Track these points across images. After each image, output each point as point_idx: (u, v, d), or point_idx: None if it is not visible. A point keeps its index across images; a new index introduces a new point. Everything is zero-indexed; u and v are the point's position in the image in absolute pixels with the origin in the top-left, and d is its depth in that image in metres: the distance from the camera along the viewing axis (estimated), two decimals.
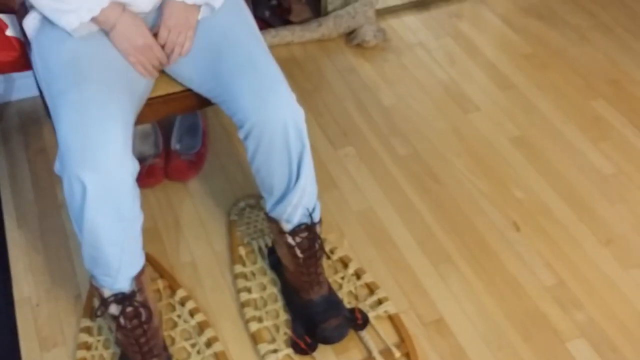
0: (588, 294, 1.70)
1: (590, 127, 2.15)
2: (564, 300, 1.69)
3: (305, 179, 1.49)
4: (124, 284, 1.40)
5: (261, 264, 1.73)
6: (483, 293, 1.70)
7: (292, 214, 1.52)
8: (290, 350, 1.56)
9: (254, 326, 1.59)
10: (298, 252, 1.54)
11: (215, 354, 1.55)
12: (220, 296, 1.68)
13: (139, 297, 1.41)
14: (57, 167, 1.33)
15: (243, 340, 1.59)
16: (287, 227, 1.54)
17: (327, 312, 1.55)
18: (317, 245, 1.55)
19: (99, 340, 1.56)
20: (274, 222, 1.56)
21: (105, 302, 1.40)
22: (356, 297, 1.67)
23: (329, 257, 1.73)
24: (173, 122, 2.03)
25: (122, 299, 1.39)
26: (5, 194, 1.89)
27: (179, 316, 1.62)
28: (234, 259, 1.73)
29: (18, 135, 2.06)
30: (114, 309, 1.40)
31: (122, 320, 1.40)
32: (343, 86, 2.27)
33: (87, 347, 1.55)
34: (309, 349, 1.55)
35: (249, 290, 1.67)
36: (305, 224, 1.53)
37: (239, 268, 1.71)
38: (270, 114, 1.40)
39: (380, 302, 1.66)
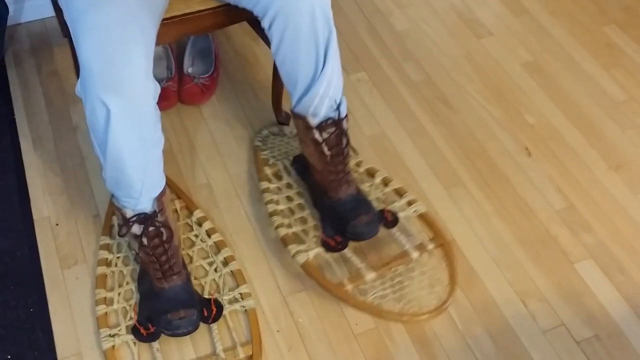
0: (597, 218, 1.73)
1: (602, 53, 2.15)
2: (573, 224, 1.72)
3: (332, 67, 1.46)
4: (145, 205, 1.42)
5: (287, 180, 1.73)
6: (494, 216, 1.73)
7: (319, 107, 1.49)
8: (321, 249, 1.56)
9: (282, 231, 1.60)
10: (325, 150, 1.52)
11: (232, 272, 1.59)
12: (236, 217, 1.70)
13: (160, 217, 1.44)
14: (78, 88, 1.33)
15: (259, 260, 1.63)
16: (314, 121, 1.52)
17: (356, 209, 1.55)
18: (344, 142, 1.53)
19: (118, 257, 1.60)
20: (299, 118, 1.54)
21: (127, 223, 1.42)
22: (384, 202, 1.67)
23: (356, 153, 1.70)
24: (185, 45, 2.02)
25: (144, 219, 1.42)
26: (20, 116, 1.89)
27: (196, 236, 1.65)
28: (260, 177, 1.74)
29: (29, 58, 2.05)
30: (136, 229, 1.42)
31: (144, 240, 1.43)
32: (355, 11, 2.25)
33: (107, 263, 1.59)
34: (340, 246, 1.55)
35: (276, 203, 1.68)
36: (332, 118, 1.51)
37: (265, 184, 1.71)
38: None
39: (409, 204, 1.66)
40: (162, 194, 1.45)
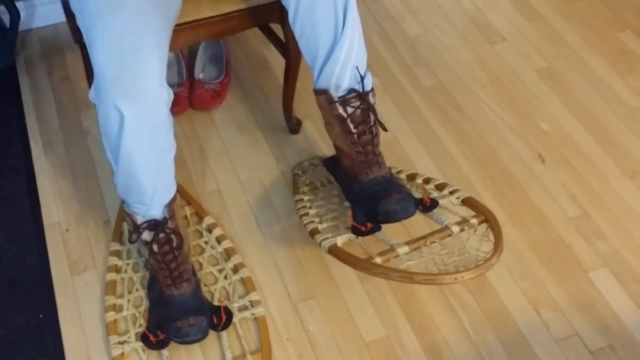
0: (612, 226, 1.71)
1: (617, 59, 2.12)
2: (587, 232, 1.70)
3: (352, 30, 1.41)
4: (156, 212, 1.41)
5: (323, 193, 1.69)
6: (507, 224, 1.71)
7: (341, 76, 1.43)
8: (350, 235, 1.45)
9: (311, 226, 1.55)
10: (351, 127, 1.45)
11: (242, 279, 1.58)
12: (246, 224, 1.70)
13: (170, 224, 1.43)
14: (91, 94, 1.33)
15: (269, 267, 1.62)
16: (337, 94, 1.45)
17: (389, 189, 1.43)
18: (371, 119, 1.45)
19: (128, 264, 1.59)
20: (322, 94, 1.47)
21: (138, 229, 1.42)
22: (423, 188, 1.54)
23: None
24: (196, 51, 2.02)
25: (154, 225, 1.41)
26: (31, 122, 1.89)
27: (206, 242, 1.64)
28: (295, 191, 1.71)
29: (41, 63, 2.05)
30: (146, 235, 1.42)
31: (154, 246, 1.42)
32: (367, 16, 2.24)
33: (117, 270, 1.58)
34: (372, 231, 1.43)
35: (309, 208, 1.64)
36: (356, 90, 1.44)
37: (298, 197, 1.69)
38: None
39: (451, 193, 1.54)
40: (173, 200, 1.44)
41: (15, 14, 2.01)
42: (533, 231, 1.69)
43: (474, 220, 1.44)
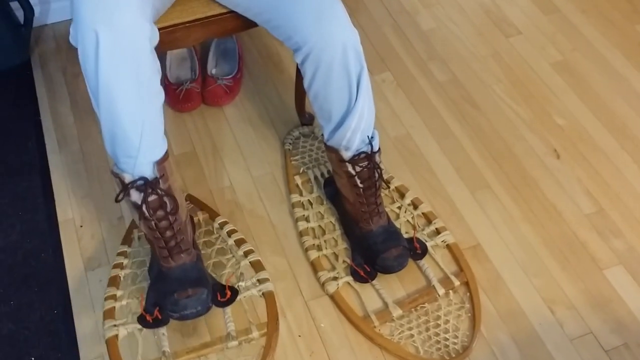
0: (628, 222, 1.69)
1: (635, 52, 2.10)
2: (602, 228, 1.68)
3: (363, 101, 1.46)
4: (145, 168, 1.33)
5: (318, 193, 1.73)
6: (521, 220, 1.69)
7: (351, 140, 1.50)
8: (349, 278, 1.58)
9: (313, 254, 1.61)
10: (358, 182, 1.53)
11: (251, 263, 1.59)
12: (258, 220, 1.69)
13: (162, 185, 1.34)
14: (72, 35, 1.29)
15: (281, 264, 1.62)
16: (347, 154, 1.52)
17: (387, 242, 1.56)
18: (376, 175, 1.54)
19: (133, 262, 1.59)
20: (333, 151, 1.55)
21: (125, 188, 1.33)
22: (414, 227, 1.67)
23: (388, 187, 1.73)
24: (209, 47, 2.02)
25: (144, 185, 1.33)
26: (45, 118, 1.90)
27: (216, 238, 1.64)
28: (291, 188, 1.74)
29: (55, 59, 2.06)
30: (135, 196, 1.34)
31: (144, 209, 1.35)
32: (381, 10, 2.22)
33: (122, 267, 1.58)
34: (369, 277, 1.57)
35: (307, 219, 1.68)
36: (365, 152, 1.51)
37: (295, 197, 1.71)
38: (330, 35, 1.38)
39: (438, 232, 1.66)
40: (164, 159, 1.36)
41: (29, 10, 2.02)
42: (547, 228, 1.68)
43: (457, 282, 1.56)
